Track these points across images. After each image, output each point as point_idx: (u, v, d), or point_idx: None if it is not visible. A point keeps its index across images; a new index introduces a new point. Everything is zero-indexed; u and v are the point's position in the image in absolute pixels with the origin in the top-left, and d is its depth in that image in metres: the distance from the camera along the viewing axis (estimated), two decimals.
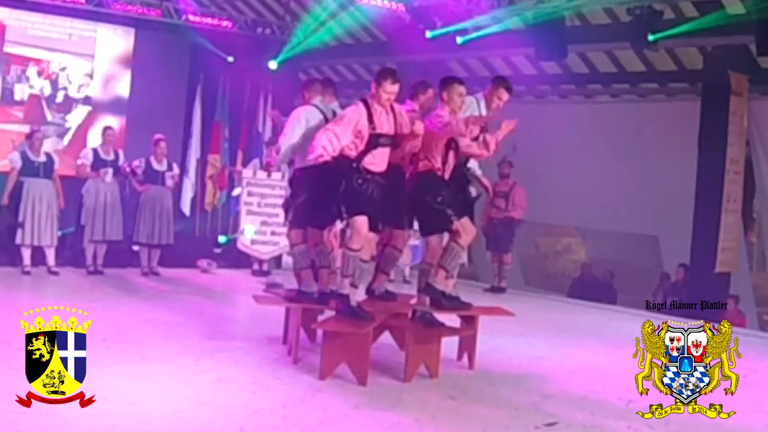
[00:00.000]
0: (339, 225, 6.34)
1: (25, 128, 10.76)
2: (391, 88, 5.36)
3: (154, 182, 9.66)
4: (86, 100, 12.13)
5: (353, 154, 5.34)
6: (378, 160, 5.39)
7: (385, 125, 5.39)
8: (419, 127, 5.36)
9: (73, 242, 9.82)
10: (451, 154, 5.54)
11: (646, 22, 9.54)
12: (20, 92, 11.64)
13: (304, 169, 5.71)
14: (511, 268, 10.95)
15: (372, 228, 5.42)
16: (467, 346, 5.91)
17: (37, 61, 11.69)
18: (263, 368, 5.43)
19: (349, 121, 5.31)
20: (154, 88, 11.99)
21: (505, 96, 5.96)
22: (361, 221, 5.29)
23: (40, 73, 11.74)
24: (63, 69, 11.90)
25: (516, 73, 13.00)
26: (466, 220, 5.55)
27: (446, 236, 5.59)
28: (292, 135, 5.74)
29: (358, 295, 5.59)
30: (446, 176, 5.53)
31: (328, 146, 5.22)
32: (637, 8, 9.51)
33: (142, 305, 7.66)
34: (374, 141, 5.34)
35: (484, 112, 5.89)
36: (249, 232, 10.25)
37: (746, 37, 9.42)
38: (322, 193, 5.57)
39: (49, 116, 11.85)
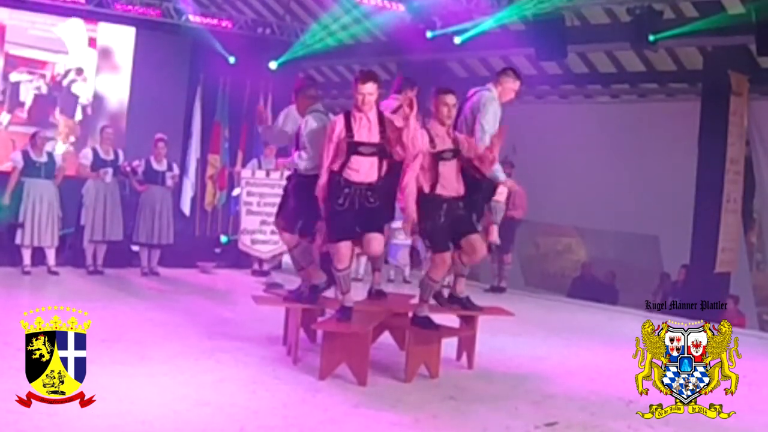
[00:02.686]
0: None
1: (28, 129, 10.73)
2: (362, 89, 5.20)
3: (154, 182, 9.67)
4: (86, 100, 12.11)
5: (336, 167, 5.25)
6: (361, 169, 5.21)
7: (364, 133, 5.22)
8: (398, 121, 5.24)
9: (73, 242, 9.82)
10: (443, 165, 5.39)
11: (646, 22, 9.54)
12: (23, 93, 11.62)
13: (307, 176, 5.61)
14: (511, 268, 10.95)
15: (354, 237, 5.26)
16: (466, 346, 5.91)
17: (38, 62, 11.68)
18: (263, 368, 5.43)
19: (329, 138, 5.27)
20: (154, 88, 11.96)
21: (515, 84, 5.87)
22: (343, 245, 5.21)
23: (41, 74, 11.73)
24: (63, 69, 11.89)
25: None
26: (474, 237, 5.46)
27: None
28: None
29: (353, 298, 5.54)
30: (443, 192, 5.39)
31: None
32: (637, 8, 9.52)
33: (142, 305, 7.67)
34: (352, 149, 5.20)
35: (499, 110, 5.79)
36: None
37: (746, 37, 9.42)
38: (309, 204, 5.53)
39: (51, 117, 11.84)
